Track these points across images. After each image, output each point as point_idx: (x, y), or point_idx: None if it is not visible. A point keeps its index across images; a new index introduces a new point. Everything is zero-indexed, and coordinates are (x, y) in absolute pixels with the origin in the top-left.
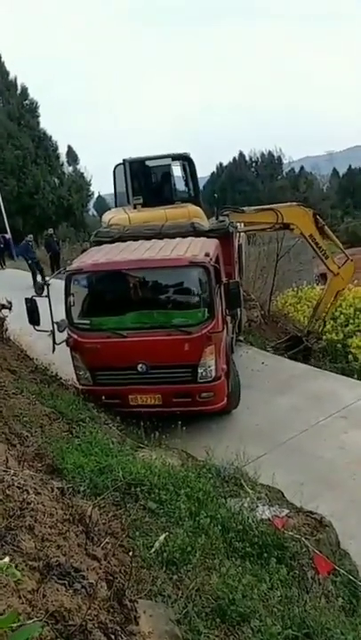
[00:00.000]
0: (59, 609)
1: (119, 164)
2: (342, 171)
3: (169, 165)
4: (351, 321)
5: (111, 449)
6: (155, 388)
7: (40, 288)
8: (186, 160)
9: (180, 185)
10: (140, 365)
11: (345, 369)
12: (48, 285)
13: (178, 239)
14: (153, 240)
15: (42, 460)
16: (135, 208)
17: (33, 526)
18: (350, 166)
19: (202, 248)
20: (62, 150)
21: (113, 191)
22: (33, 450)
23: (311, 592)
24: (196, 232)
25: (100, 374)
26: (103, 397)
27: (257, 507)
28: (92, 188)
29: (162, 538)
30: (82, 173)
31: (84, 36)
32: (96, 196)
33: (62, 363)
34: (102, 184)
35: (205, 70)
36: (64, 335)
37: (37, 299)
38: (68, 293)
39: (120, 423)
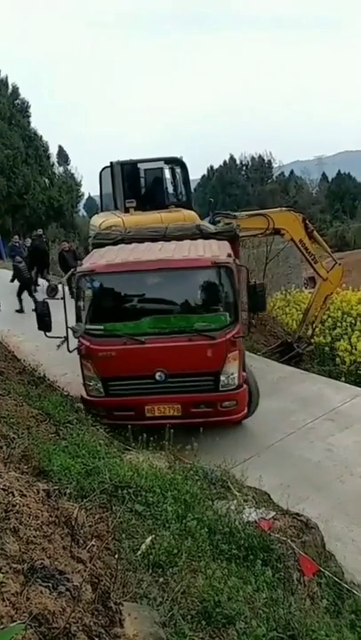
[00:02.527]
0: (42, 612)
1: (106, 167)
2: (331, 175)
3: (161, 169)
4: (339, 324)
5: (98, 451)
6: (174, 398)
7: (53, 290)
8: (178, 164)
9: (172, 188)
10: (158, 373)
11: (332, 372)
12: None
13: (188, 241)
14: (159, 242)
15: (28, 462)
16: (128, 211)
17: (18, 528)
18: (339, 171)
19: (220, 249)
20: (53, 151)
21: (99, 194)
22: (19, 452)
23: (296, 594)
24: (202, 234)
25: (113, 384)
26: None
27: (244, 509)
28: (82, 189)
29: (148, 540)
30: (72, 174)
31: (79, 39)
32: (86, 197)
33: (50, 364)
34: (93, 185)
35: (198, 75)
36: (63, 342)
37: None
38: (78, 297)
39: (107, 425)
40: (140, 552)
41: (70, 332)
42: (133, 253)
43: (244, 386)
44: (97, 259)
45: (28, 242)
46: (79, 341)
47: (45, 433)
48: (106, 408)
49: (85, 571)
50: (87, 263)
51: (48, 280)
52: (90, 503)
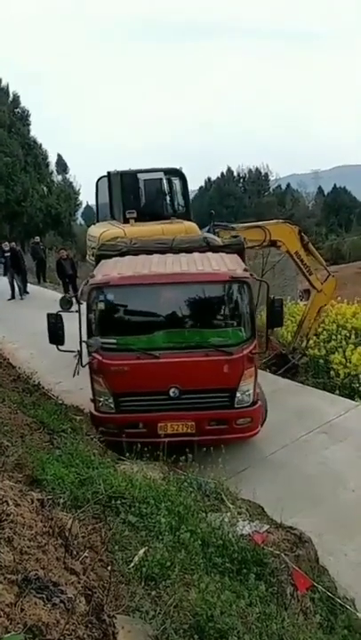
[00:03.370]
0: (37, 623)
1: (102, 177)
2: (328, 189)
3: (161, 179)
4: (333, 337)
5: (92, 461)
6: (188, 415)
7: (67, 302)
8: (177, 175)
9: (171, 199)
10: (172, 389)
11: (327, 384)
12: (78, 301)
13: (197, 254)
14: (168, 255)
15: (22, 471)
16: (127, 222)
17: (12, 538)
18: (335, 185)
19: (233, 263)
20: (52, 159)
21: (95, 204)
22: (13, 460)
23: (290, 608)
24: (209, 247)
25: (125, 400)
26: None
27: (237, 522)
28: (80, 198)
29: (141, 552)
30: (71, 182)
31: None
32: (84, 205)
33: (45, 372)
34: (91, 194)
35: (196, 88)
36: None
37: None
38: (90, 309)
39: (102, 435)
40: (132, 564)
41: (84, 346)
42: (146, 266)
43: (259, 402)
44: (108, 270)
45: (7, 246)
46: (90, 355)
47: (39, 441)
48: (116, 425)
49: (79, 582)
50: (99, 275)
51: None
52: (83, 514)
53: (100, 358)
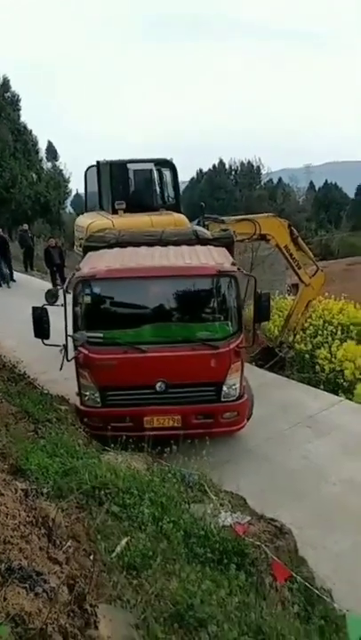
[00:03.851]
0: (19, 612)
1: (91, 166)
2: (319, 184)
3: (151, 170)
4: (320, 332)
5: (77, 451)
6: (174, 409)
7: (53, 296)
8: (168, 166)
9: (161, 191)
10: (158, 384)
11: (312, 379)
12: (65, 293)
13: (185, 247)
14: (156, 247)
15: (5, 460)
16: (116, 213)
17: None
18: (326, 181)
19: (221, 256)
20: (42, 146)
21: (84, 192)
22: None
23: (268, 598)
24: (199, 240)
25: (111, 394)
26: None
27: (220, 513)
28: (70, 186)
29: (123, 542)
30: (61, 170)
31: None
32: (74, 194)
33: (31, 362)
34: (82, 182)
35: (190, 81)
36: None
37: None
38: (76, 303)
39: (87, 428)
40: (115, 554)
41: (70, 340)
42: (133, 259)
43: (245, 396)
44: (96, 263)
45: None
46: (76, 349)
47: (24, 431)
48: (102, 419)
49: (62, 572)
50: (86, 268)
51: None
52: (67, 503)
53: (87, 352)
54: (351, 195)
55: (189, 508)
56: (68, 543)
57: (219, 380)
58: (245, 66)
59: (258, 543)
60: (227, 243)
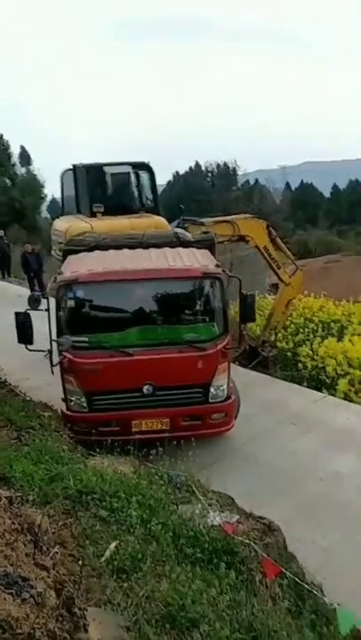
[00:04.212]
0: (6, 618)
1: (67, 170)
2: (295, 185)
3: (128, 173)
4: (301, 330)
5: (62, 457)
6: (162, 412)
7: (36, 301)
8: (145, 168)
9: (140, 193)
10: (145, 387)
11: (295, 377)
12: (46, 298)
13: (168, 249)
14: (138, 250)
15: None
16: (94, 216)
17: None
18: (302, 181)
19: (205, 258)
20: (15, 151)
21: (61, 197)
22: None
23: (259, 595)
24: (180, 242)
25: (98, 399)
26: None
27: (208, 513)
28: (45, 191)
29: (112, 546)
30: (35, 175)
31: (50, 42)
32: (50, 199)
33: (12, 369)
34: (58, 187)
35: (163, 83)
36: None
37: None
38: (59, 307)
39: (74, 434)
40: (104, 558)
41: (54, 345)
42: (116, 261)
43: (233, 397)
44: (77, 267)
45: None
46: (61, 354)
47: (6, 439)
48: (89, 424)
49: (49, 577)
50: (67, 272)
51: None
52: (54, 510)
53: (72, 357)
54: (327, 194)
55: (178, 510)
56: (55, 549)
57: (206, 382)
58: (218, 67)
59: (247, 541)
60: (208, 244)
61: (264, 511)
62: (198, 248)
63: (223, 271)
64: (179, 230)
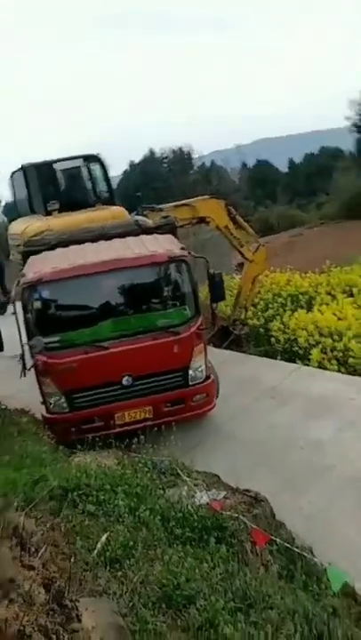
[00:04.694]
0: None
1: (17, 171)
2: (251, 163)
3: (79, 167)
4: (270, 305)
5: (44, 459)
6: (144, 401)
7: (2, 306)
8: (95, 160)
9: (93, 186)
10: (125, 378)
11: (268, 351)
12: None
13: (130, 238)
14: (100, 242)
15: None
16: (50, 214)
17: None
18: (258, 158)
19: (169, 243)
20: None
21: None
22: None
23: (250, 564)
24: (142, 230)
25: (78, 397)
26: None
27: (195, 493)
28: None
29: (103, 538)
30: None
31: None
32: (3, 203)
33: None
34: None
35: (109, 71)
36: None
37: None
38: (27, 309)
39: (57, 436)
40: (96, 551)
41: (27, 348)
42: (79, 256)
43: (212, 377)
44: (40, 266)
45: None
46: (34, 357)
47: None
48: (72, 423)
49: (38, 575)
50: (30, 272)
51: None
52: (40, 512)
53: (45, 359)
54: (284, 169)
55: (165, 494)
56: (44, 548)
57: (184, 365)
58: (158, 50)
59: (235, 515)
60: (170, 229)
61: (250, 485)
62: (160, 234)
63: (189, 253)
64: (139, 218)
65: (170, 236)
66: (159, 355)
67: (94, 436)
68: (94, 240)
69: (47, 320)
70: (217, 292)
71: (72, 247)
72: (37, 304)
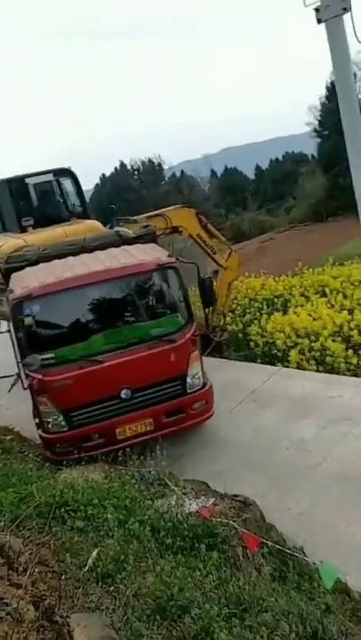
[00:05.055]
0: None
1: None
2: (219, 171)
3: (51, 182)
4: (248, 310)
5: (30, 476)
6: (144, 413)
7: None
8: (67, 174)
9: (66, 200)
10: (123, 391)
11: (248, 356)
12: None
13: (113, 249)
14: (82, 255)
15: None
16: (24, 231)
17: None
18: (226, 166)
19: (155, 251)
20: None
21: None
22: None
23: (243, 569)
24: (123, 240)
25: (76, 414)
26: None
27: (184, 502)
28: None
29: (94, 554)
30: None
31: None
32: None
33: None
34: None
35: (68, 83)
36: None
37: None
38: (17, 327)
39: (36, 449)
40: (87, 567)
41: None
42: (65, 269)
43: (209, 383)
44: (27, 282)
45: None
46: (28, 376)
47: None
48: (72, 442)
49: (26, 594)
50: (18, 289)
51: None
52: (28, 531)
53: (40, 377)
54: (251, 176)
55: (153, 505)
56: (32, 567)
57: (182, 373)
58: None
59: (225, 520)
60: (151, 238)
61: (238, 489)
62: (142, 243)
63: (177, 259)
64: (119, 229)
65: (153, 245)
66: (156, 364)
67: (79, 452)
68: (76, 253)
69: (39, 336)
70: (207, 295)
71: (55, 261)
72: (28, 320)
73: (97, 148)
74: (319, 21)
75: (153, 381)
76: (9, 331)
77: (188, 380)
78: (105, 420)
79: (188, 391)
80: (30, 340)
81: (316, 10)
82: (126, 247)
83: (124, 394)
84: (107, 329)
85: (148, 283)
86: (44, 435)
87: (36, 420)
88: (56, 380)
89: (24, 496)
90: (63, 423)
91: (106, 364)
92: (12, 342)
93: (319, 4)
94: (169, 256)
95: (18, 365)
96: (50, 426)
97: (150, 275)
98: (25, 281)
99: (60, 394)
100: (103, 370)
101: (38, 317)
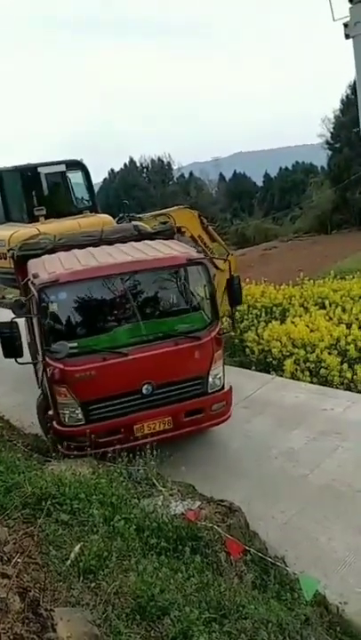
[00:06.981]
0: None
1: None
2: (228, 176)
3: (64, 172)
4: (246, 317)
5: (17, 466)
6: (164, 410)
7: (22, 306)
8: (79, 167)
9: (77, 192)
10: (145, 387)
11: (243, 362)
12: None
13: (135, 242)
14: (103, 247)
15: None
16: (36, 220)
17: None
18: (235, 171)
19: (181, 247)
20: None
21: None
22: None
23: (225, 575)
24: (141, 235)
25: (95, 408)
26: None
27: (170, 503)
28: None
29: (77, 548)
30: None
31: None
32: None
33: None
34: None
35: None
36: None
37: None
38: (42, 313)
39: (25, 438)
40: (69, 561)
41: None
42: (90, 259)
43: (229, 384)
44: (52, 268)
45: None
46: (47, 364)
47: None
48: (88, 436)
49: (13, 584)
50: (44, 274)
51: None
52: (13, 520)
53: (62, 367)
54: (260, 183)
55: (140, 504)
56: (17, 558)
57: (204, 372)
58: (144, 62)
59: (210, 525)
60: (170, 234)
61: (225, 494)
62: (162, 239)
63: (206, 255)
64: (137, 223)
65: (176, 241)
66: (180, 361)
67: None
68: (95, 245)
69: (62, 324)
70: (235, 295)
71: (75, 251)
72: (53, 307)
73: (106, 143)
74: (347, 37)
75: (175, 378)
76: (12, 320)
77: (210, 379)
78: (124, 416)
79: (209, 391)
80: (53, 328)
81: (345, 25)
82: (149, 242)
83: (145, 389)
84: (132, 321)
85: (177, 277)
86: (58, 427)
87: (50, 412)
88: (78, 371)
89: (10, 485)
90: (80, 416)
91: (131, 357)
92: (29, 328)
93: (348, 19)
94: (198, 251)
95: (42, 352)
96: (66, 419)
97: (179, 269)
98: (50, 267)
99: (81, 385)
100: (127, 363)
101: (62, 304)
